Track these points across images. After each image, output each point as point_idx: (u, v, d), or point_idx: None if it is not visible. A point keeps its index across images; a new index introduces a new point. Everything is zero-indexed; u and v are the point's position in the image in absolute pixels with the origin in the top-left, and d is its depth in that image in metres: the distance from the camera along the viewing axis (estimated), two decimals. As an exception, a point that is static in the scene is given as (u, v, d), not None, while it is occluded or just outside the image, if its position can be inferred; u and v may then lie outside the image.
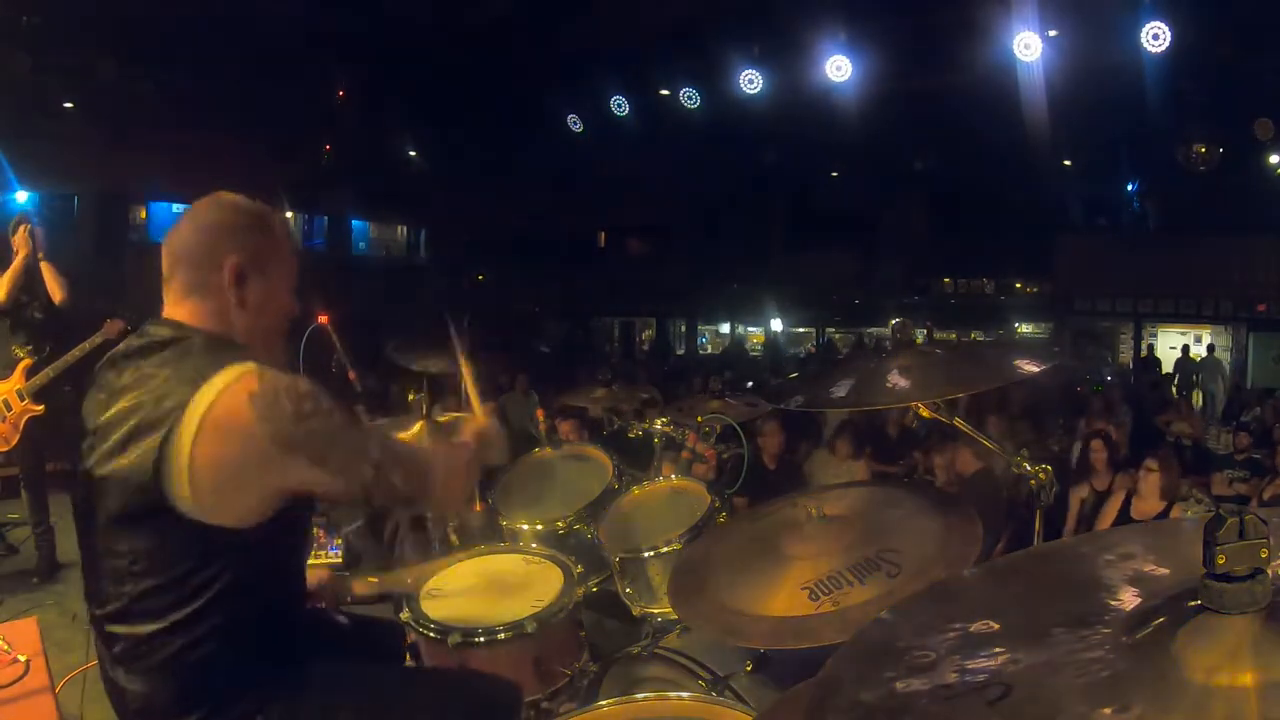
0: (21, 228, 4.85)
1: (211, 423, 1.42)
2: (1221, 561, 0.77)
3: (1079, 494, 5.56)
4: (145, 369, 1.51)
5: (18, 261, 4.82)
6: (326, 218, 18.29)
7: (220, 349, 1.53)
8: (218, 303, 1.61)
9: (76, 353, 4.77)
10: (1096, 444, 5.68)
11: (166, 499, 1.42)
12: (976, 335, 18.11)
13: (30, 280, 4.88)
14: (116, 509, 1.46)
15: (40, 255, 4.91)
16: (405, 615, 2.58)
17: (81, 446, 1.54)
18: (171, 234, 1.67)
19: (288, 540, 1.64)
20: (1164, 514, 4.75)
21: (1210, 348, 17.39)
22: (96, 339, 4.77)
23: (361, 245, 19.85)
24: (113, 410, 1.50)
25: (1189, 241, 16.18)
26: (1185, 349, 17.42)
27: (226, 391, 1.44)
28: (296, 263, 1.76)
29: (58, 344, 4.92)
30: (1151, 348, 18.24)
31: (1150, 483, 4.78)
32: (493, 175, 17.10)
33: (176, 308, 1.62)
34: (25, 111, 10.74)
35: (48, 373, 4.80)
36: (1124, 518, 4.85)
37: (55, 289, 4.93)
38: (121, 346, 1.60)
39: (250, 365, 1.49)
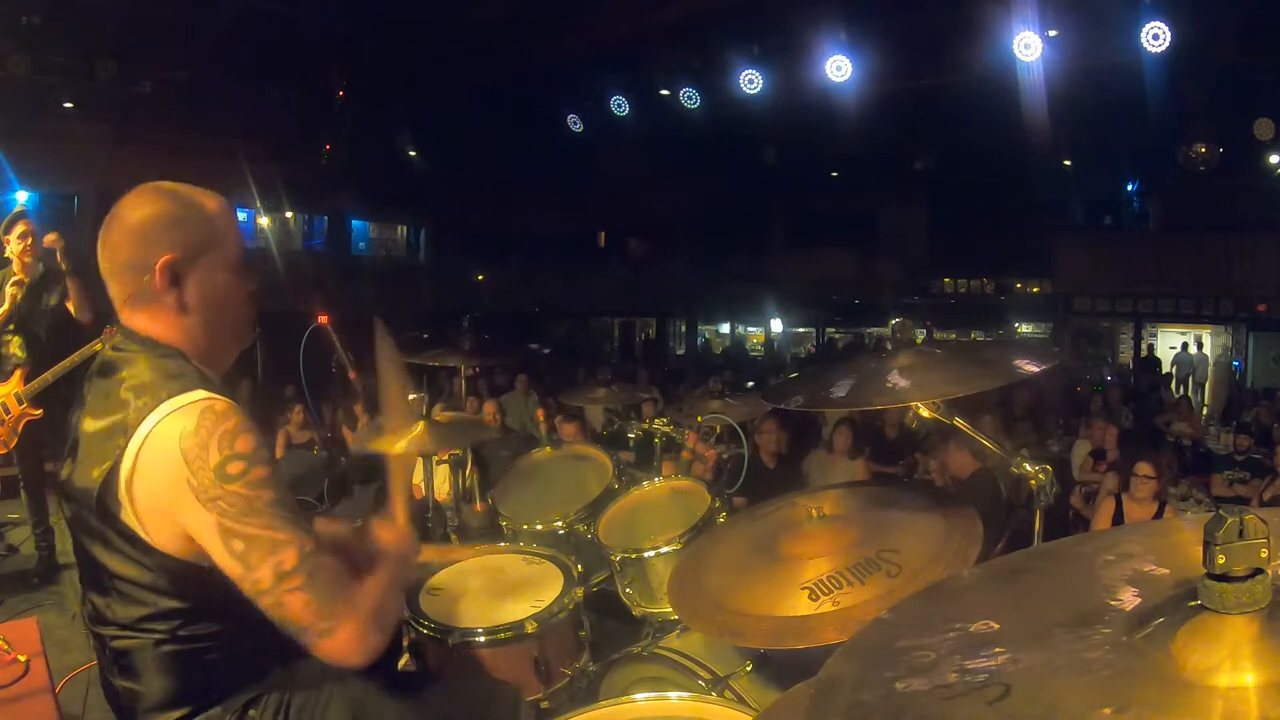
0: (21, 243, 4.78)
1: (146, 453, 1.39)
2: (1221, 561, 0.77)
3: (1108, 487, 5.55)
4: (108, 390, 1.48)
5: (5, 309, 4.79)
6: (326, 218, 18.28)
7: (173, 371, 1.46)
8: (160, 309, 1.52)
9: (75, 358, 4.76)
10: (1110, 436, 5.69)
11: (120, 521, 1.42)
12: (976, 335, 18.11)
13: (20, 318, 4.86)
14: (88, 524, 1.47)
15: (65, 266, 4.84)
16: (405, 614, 2.58)
17: (65, 456, 1.55)
18: (103, 232, 1.54)
19: None
20: (1156, 517, 4.76)
21: (1199, 344, 17.54)
22: (95, 345, 4.76)
23: (361, 245, 19.83)
24: (82, 428, 1.50)
25: (1189, 241, 16.17)
26: (1184, 346, 17.55)
27: (163, 424, 1.39)
28: (241, 249, 1.59)
29: (56, 349, 4.91)
30: (1152, 348, 18.26)
31: (1144, 488, 4.79)
32: (493, 175, 17.10)
33: (126, 314, 1.55)
34: (25, 111, 10.74)
35: (46, 377, 4.80)
36: (1117, 521, 4.85)
37: (82, 309, 4.90)
38: (97, 361, 1.57)
39: (198, 396, 1.42)
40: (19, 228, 4.82)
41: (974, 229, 18.53)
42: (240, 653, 1.51)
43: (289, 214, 17.02)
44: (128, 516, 1.41)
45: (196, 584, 1.43)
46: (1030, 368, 1.97)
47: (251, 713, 1.54)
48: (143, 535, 1.42)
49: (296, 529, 1.41)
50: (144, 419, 1.40)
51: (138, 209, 1.52)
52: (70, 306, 4.88)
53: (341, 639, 1.39)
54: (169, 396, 1.41)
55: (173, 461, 1.38)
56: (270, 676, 1.56)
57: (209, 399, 1.42)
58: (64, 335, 4.95)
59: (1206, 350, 17.57)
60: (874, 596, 1.84)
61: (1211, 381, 17.16)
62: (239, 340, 1.66)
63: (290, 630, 1.39)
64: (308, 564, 1.39)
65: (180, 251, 1.51)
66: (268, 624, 1.49)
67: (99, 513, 1.42)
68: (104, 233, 1.54)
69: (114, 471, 1.40)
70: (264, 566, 1.37)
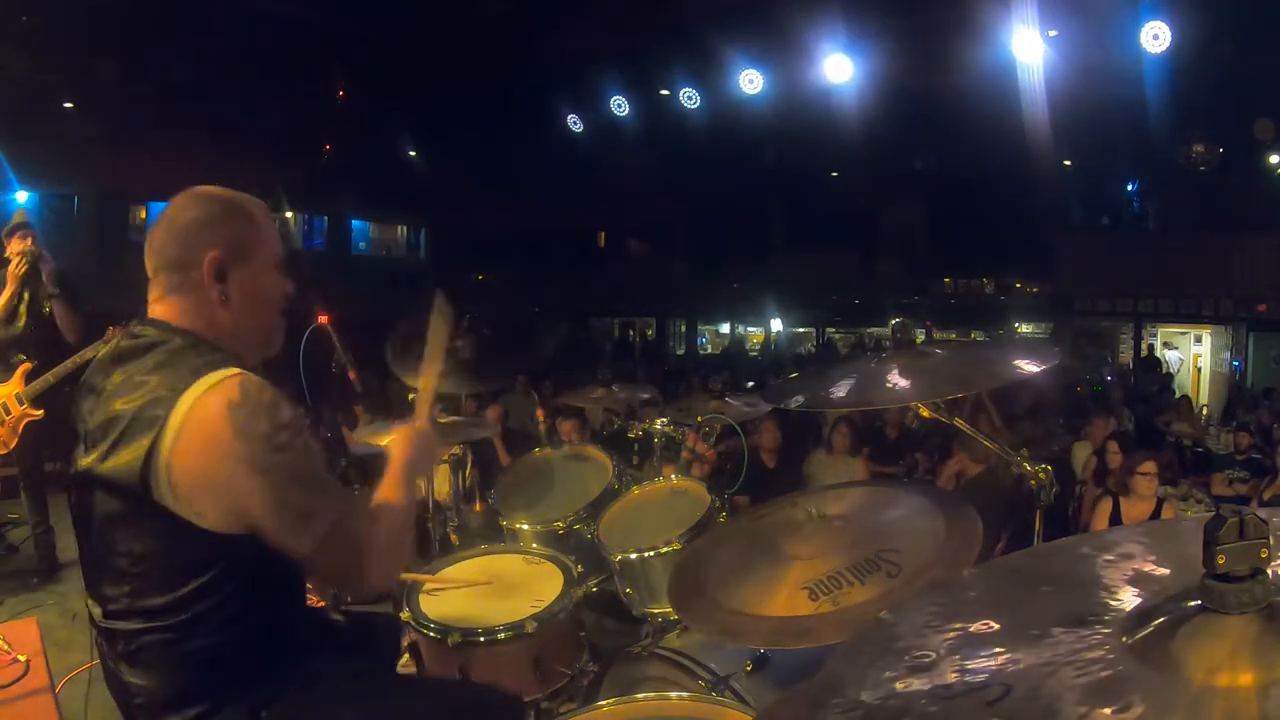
0: (20, 254, 4.77)
1: (190, 427, 1.41)
2: (1221, 561, 0.77)
3: (1094, 494, 5.53)
4: (133, 372, 1.50)
5: (7, 292, 4.78)
6: (326, 218, 18.29)
7: (204, 351, 1.51)
8: (198, 301, 1.58)
9: (77, 359, 4.75)
10: (1114, 446, 5.65)
11: (156, 501, 1.42)
12: (976, 335, 18.11)
13: (16, 306, 4.85)
14: (112, 510, 1.47)
15: (55, 292, 4.84)
16: (406, 615, 2.58)
17: (75, 448, 1.54)
18: (151, 233, 1.62)
19: None
20: (1154, 516, 4.75)
21: (1150, 346, 17.65)
22: (99, 346, 4.74)
23: (361, 245, 19.84)
24: (104, 413, 1.49)
25: (1189, 241, 16.15)
26: (1158, 346, 17.70)
27: (205, 397, 1.42)
28: (281, 251, 1.69)
29: (56, 350, 4.90)
30: (1152, 348, 18.28)
31: (1145, 486, 4.78)
32: (493, 175, 17.11)
33: (158, 306, 1.59)
34: (25, 111, 10.74)
35: (48, 378, 4.79)
36: (1114, 521, 4.85)
37: (70, 330, 4.89)
38: (109, 349, 1.59)
39: (234, 372, 1.46)
40: (19, 232, 4.85)
41: (974, 229, 18.51)
42: (252, 651, 1.51)
43: (289, 214, 17.03)
44: (163, 493, 1.42)
45: (225, 561, 1.45)
46: (1030, 368, 1.97)
47: (264, 714, 1.53)
48: (178, 510, 1.42)
49: (336, 496, 1.54)
50: (181, 394, 1.42)
51: (186, 209, 1.61)
52: (60, 324, 4.88)
53: (366, 584, 1.60)
54: (208, 370, 1.45)
55: (220, 433, 1.41)
56: (283, 679, 1.56)
57: (243, 374, 1.47)
58: (62, 343, 4.94)
59: (1179, 352, 17.71)
60: (874, 596, 1.84)
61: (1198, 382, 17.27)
62: (265, 344, 1.70)
63: (329, 581, 1.61)
64: (345, 518, 1.52)
65: (226, 249, 1.59)
66: (281, 618, 1.56)
67: (133, 492, 1.42)
68: (151, 233, 1.62)
69: (154, 448, 1.41)
70: (307, 533, 1.47)
